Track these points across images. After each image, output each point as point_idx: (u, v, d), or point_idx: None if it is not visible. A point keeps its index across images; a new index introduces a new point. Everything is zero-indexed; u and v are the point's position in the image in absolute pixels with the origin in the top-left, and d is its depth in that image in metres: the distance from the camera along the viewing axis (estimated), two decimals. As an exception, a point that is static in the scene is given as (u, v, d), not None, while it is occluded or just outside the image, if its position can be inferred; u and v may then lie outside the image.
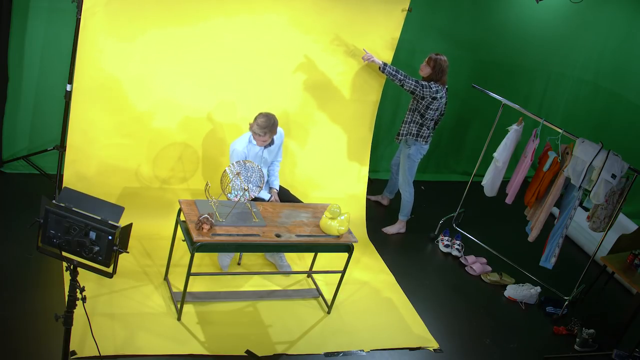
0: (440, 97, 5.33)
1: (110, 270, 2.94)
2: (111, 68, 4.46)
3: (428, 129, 5.45)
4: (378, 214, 6.08)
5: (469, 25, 6.62)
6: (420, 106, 5.32)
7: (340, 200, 5.29)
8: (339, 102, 5.31)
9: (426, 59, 5.30)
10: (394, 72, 5.12)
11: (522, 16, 6.79)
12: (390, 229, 5.85)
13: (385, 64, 5.09)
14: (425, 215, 6.29)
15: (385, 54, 5.22)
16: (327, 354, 4.20)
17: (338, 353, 4.23)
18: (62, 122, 4.81)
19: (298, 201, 4.81)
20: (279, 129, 4.53)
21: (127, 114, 4.65)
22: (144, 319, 4.06)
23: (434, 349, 4.50)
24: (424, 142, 5.49)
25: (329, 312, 4.58)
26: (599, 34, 7.21)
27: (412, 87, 5.19)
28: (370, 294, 4.92)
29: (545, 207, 5.30)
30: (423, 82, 5.23)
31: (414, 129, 5.41)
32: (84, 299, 2.99)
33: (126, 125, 4.68)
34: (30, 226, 4.34)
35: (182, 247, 4.66)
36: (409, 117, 5.44)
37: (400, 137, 5.52)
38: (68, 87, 4.50)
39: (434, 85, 5.24)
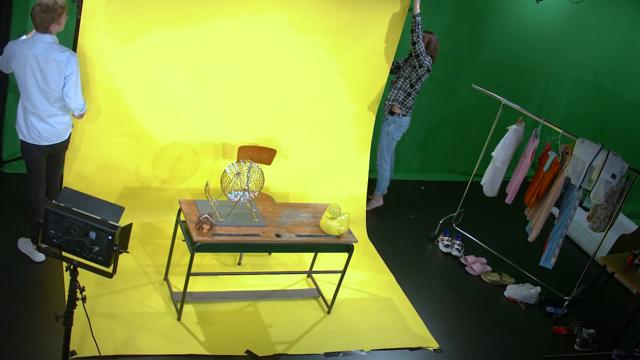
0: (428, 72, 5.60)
1: (110, 270, 2.94)
2: (111, 68, 4.45)
3: (412, 100, 5.67)
4: (378, 214, 6.08)
5: (469, 25, 6.62)
6: (414, 75, 5.52)
7: (340, 200, 5.30)
8: (339, 102, 5.31)
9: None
10: (419, 27, 5.25)
11: (522, 16, 6.79)
12: (368, 206, 6.00)
13: (419, 14, 5.20)
14: (425, 215, 6.29)
15: (386, 54, 5.22)
16: (327, 354, 4.20)
17: (338, 353, 4.23)
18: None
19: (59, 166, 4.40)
20: (66, 53, 3.89)
21: (127, 114, 4.64)
22: (144, 319, 4.06)
23: (434, 349, 4.50)
24: (404, 114, 5.68)
25: (329, 312, 4.58)
26: (599, 34, 7.21)
27: (421, 49, 5.38)
28: (370, 294, 4.92)
29: (545, 207, 5.30)
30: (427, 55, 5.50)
31: (401, 95, 5.61)
32: (84, 299, 2.99)
33: (126, 125, 4.68)
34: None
35: (182, 247, 4.66)
36: (400, 83, 5.64)
37: (387, 102, 5.73)
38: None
39: (430, 59, 5.50)
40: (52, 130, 4.05)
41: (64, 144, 4.21)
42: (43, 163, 4.22)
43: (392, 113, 5.75)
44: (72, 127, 4.21)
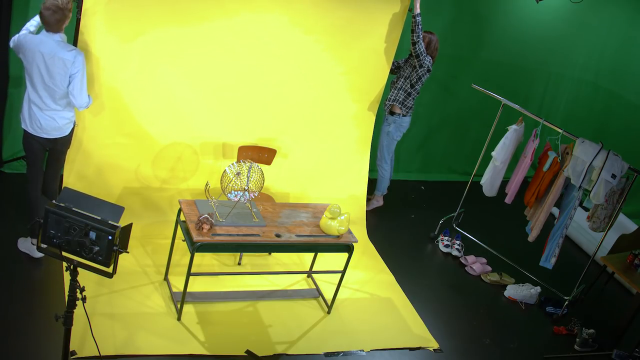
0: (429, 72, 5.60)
1: (110, 270, 2.94)
2: (111, 68, 4.46)
3: (413, 100, 5.67)
4: (378, 214, 6.08)
5: (469, 26, 6.62)
6: (414, 75, 5.52)
7: (340, 200, 5.29)
8: (339, 102, 5.31)
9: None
10: (419, 27, 5.24)
11: (522, 16, 6.79)
12: (368, 206, 6.00)
13: (419, 15, 5.20)
14: (425, 215, 6.29)
15: (386, 54, 5.22)
16: (327, 354, 4.20)
17: (338, 353, 4.23)
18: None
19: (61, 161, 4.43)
20: (72, 52, 3.94)
21: (127, 114, 4.65)
22: (144, 319, 4.06)
23: (434, 349, 4.50)
24: (404, 114, 5.68)
25: (329, 312, 4.58)
26: (599, 34, 7.21)
27: (421, 50, 5.37)
28: (370, 294, 4.92)
29: (545, 207, 5.30)
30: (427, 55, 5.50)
31: (401, 95, 5.61)
32: (84, 299, 2.99)
33: (126, 125, 4.68)
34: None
35: (182, 247, 4.66)
36: (400, 83, 5.64)
37: (387, 103, 5.73)
38: (68, 87, 4.49)
39: (431, 60, 5.51)
40: (53, 124, 4.07)
41: (65, 141, 4.22)
42: (42, 158, 4.23)
43: (392, 113, 5.75)
44: (74, 125, 4.22)
